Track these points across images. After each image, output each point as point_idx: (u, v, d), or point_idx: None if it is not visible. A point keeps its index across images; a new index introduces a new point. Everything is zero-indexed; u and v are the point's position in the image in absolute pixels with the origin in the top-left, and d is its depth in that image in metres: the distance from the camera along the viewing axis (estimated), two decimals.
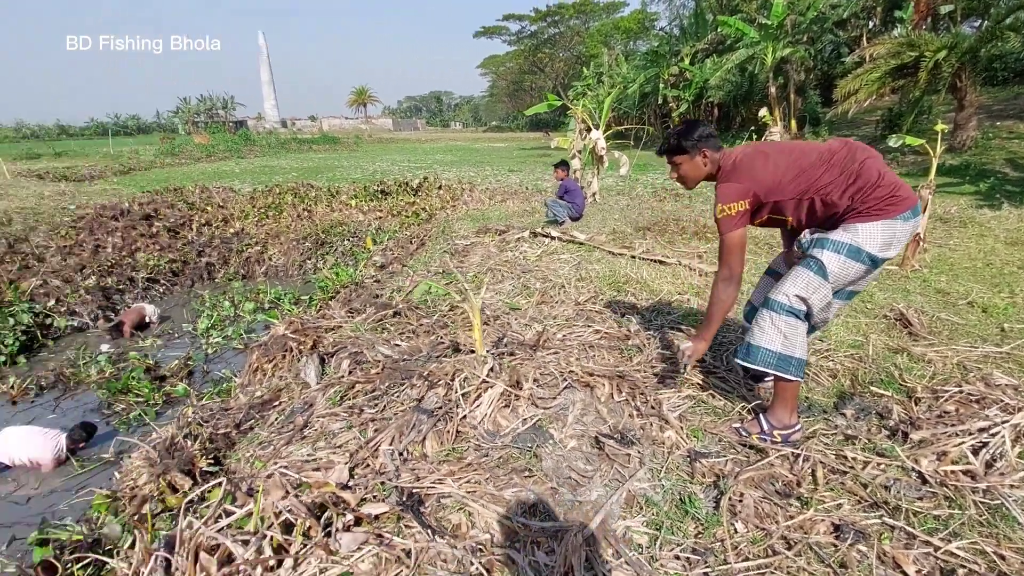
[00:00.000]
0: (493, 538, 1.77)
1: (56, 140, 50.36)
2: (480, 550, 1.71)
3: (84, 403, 5.61)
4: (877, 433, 2.41)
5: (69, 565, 2.68)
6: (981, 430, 2.25)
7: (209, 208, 10.99)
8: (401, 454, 2.18)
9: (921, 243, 5.35)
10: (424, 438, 2.25)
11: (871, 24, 23.73)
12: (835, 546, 1.75)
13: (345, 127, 63.82)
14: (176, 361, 6.18)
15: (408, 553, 1.67)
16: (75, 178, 16.71)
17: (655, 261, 5.76)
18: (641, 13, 44.00)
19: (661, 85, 25.82)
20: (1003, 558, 1.69)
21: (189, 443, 3.23)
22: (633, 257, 5.88)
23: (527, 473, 2.12)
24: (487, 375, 2.56)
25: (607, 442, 2.32)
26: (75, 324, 7.57)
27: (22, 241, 8.92)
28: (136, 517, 2.72)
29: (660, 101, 26.68)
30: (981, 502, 1.93)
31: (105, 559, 2.60)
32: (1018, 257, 6.00)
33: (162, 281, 9.08)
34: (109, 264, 8.76)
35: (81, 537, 2.82)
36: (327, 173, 16.75)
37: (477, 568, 1.63)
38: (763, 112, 9.20)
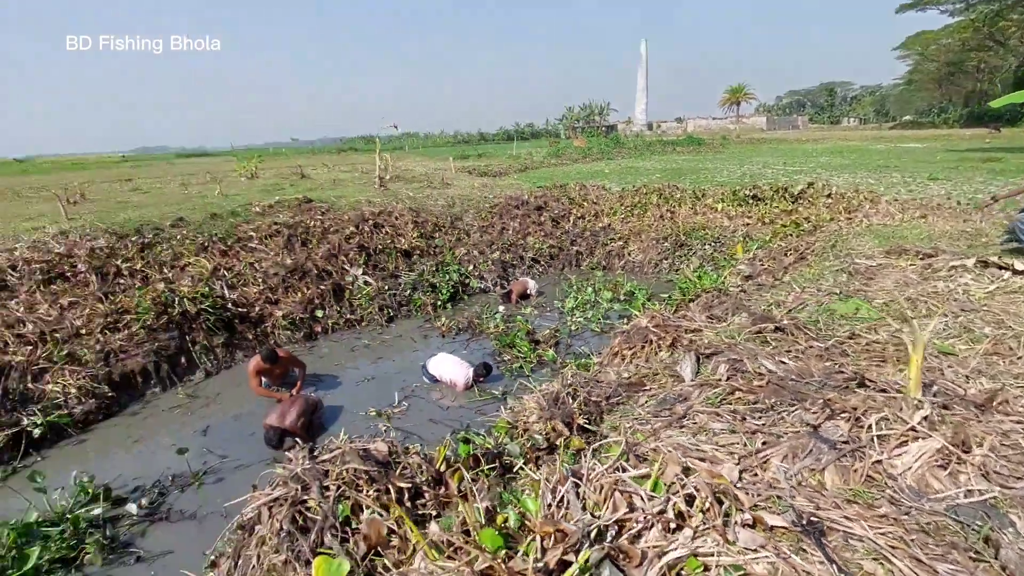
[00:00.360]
0: None
1: (477, 144, 67.66)
2: None
3: (484, 347, 7.53)
4: None
5: (480, 463, 3.67)
6: None
7: (585, 203, 12.87)
8: (793, 476, 2.11)
9: None
10: (823, 468, 2.11)
11: None
12: None
13: (711, 127, 63.49)
14: (548, 330, 7.58)
15: None
16: (491, 173, 22.24)
17: None
18: None
19: None
20: None
21: (570, 400, 3.94)
22: None
23: (973, 555, 1.73)
24: (918, 423, 2.18)
25: None
26: (482, 287, 10.17)
27: (458, 219, 12.46)
28: (532, 445, 3.51)
29: None
30: None
31: (513, 467, 3.46)
32: None
33: (542, 262, 11.21)
34: (509, 243, 11.34)
35: (490, 447, 3.81)
36: (691, 175, 17.10)
37: None
38: None
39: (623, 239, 11.21)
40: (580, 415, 3.69)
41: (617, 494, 2.00)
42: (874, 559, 1.70)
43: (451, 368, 6.36)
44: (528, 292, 9.57)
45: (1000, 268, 4.54)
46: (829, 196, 10.04)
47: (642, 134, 57.87)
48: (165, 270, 7.80)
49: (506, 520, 2.25)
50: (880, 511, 1.92)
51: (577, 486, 2.19)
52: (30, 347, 5.92)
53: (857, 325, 3.75)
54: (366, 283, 9.09)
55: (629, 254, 10.83)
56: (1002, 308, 3.93)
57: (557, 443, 3.59)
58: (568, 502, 2.08)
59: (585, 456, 2.50)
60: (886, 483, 2.04)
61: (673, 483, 2.04)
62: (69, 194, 11.43)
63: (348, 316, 8.52)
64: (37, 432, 5.19)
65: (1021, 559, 1.70)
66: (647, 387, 3.74)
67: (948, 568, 1.67)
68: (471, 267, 10.44)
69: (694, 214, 11.18)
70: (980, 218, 7.60)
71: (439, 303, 9.28)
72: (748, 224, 9.90)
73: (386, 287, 9.17)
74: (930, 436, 2.13)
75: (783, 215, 9.58)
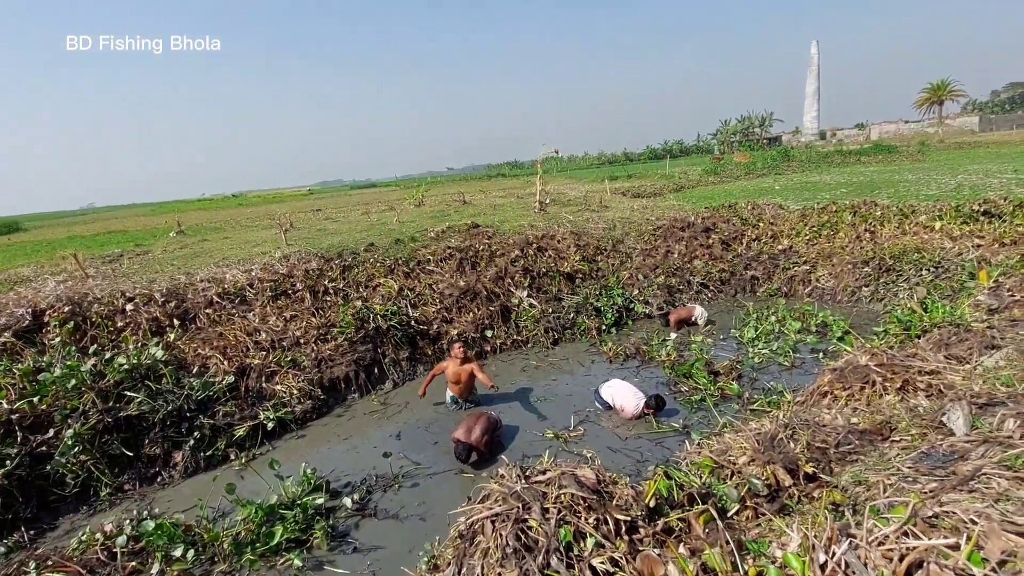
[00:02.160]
0: None
1: (624, 165, 66.99)
2: None
3: (656, 376, 7.25)
4: None
5: (683, 502, 3.45)
6: None
7: (760, 224, 11.91)
8: None
9: None
10: None
11: None
12: None
13: (903, 132, 55.25)
14: (727, 361, 7.06)
15: None
16: (645, 194, 21.78)
17: None
18: None
19: None
20: None
21: (790, 443, 3.57)
22: None
23: None
24: None
25: None
26: (647, 312, 9.88)
27: (620, 242, 12.32)
28: (750, 490, 3.22)
29: None
30: None
31: (724, 514, 3.21)
32: None
33: (711, 287, 10.57)
34: (674, 267, 10.90)
35: (696, 485, 3.58)
36: (886, 189, 14.95)
37: None
38: None
39: (809, 263, 10.12)
40: (807, 462, 3.31)
41: (925, 565, 1.70)
42: None
43: (623, 394, 6.21)
44: (693, 319, 9.04)
45: None
46: None
47: (812, 144, 52.50)
48: (361, 289, 8.84)
49: (761, 573, 2.05)
50: None
51: (854, 547, 1.92)
52: (264, 352, 7.07)
53: None
54: (531, 305, 9.36)
55: (817, 279, 9.71)
56: None
57: (780, 491, 3.26)
58: (849, 566, 1.83)
59: (844, 512, 2.19)
60: None
61: (1006, 561, 1.68)
62: (282, 223, 13.61)
63: (515, 337, 8.83)
64: (270, 425, 6.13)
65: None
66: (894, 438, 3.23)
67: None
68: (635, 291, 10.22)
69: (902, 234, 9.70)
70: None
71: (603, 327, 9.20)
72: (980, 245, 8.29)
73: (550, 309, 9.35)
74: None
75: None
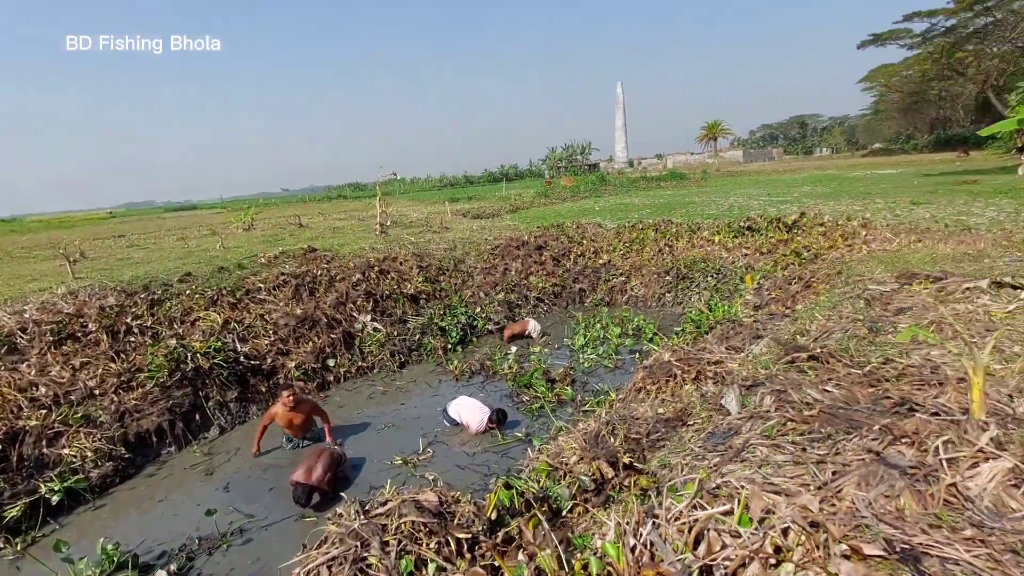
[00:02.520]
0: None
1: (464, 187, 68.73)
2: None
3: (500, 389, 7.49)
4: None
5: (532, 507, 3.61)
6: None
7: (584, 241, 13.09)
8: (871, 504, 2.13)
9: None
10: (899, 495, 2.13)
11: None
12: None
13: (691, 162, 65.43)
14: (561, 368, 7.59)
15: None
16: (484, 215, 22.59)
17: None
18: None
19: None
20: None
21: (611, 439, 3.94)
22: None
23: None
24: (985, 444, 2.22)
25: None
26: (490, 328, 10.18)
27: (461, 262, 12.57)
28: (579, 487, 3.47)
29: None
30: None
31: (559, 512, 3.41)
32: None
33: (546, 301, 11.29)
34: (512, 284, 11.43)
35: (534, 491, 3.76)
36: (680, 209, 17.53)
37: None
38: None
39: (624, 274, 11.38)
40: (624, 453, 3.68)
41: (706, 532, 2.00)
42: None
43: (469, 411, 6.31)
44: (527, 333, 9.54)
45: (1014, 288, 4.69)
46: (822, 225, 10.35)
47: (624, 171, 59.35)
48: (176, 326, 7.73)
49: (586, 566, 2.22)
50: (966, 533, 1.95)
51: (656, 527, 2.19)
52: (44, 410, 5.79)
53: (889, 350, 3.84)
54: (375, 329, 9.06)
55: (632, 289, 10.96)
56: None
57: (604, 484, 3.57)
58: (653, 544, 2.07)
59: (651, 496, 2.49)
60: (964, 505, 2.07)
61: (765, 518, 2.04)
62: (68, 252, 11.37)
63: (360, 363, 8.46)
64: (55, 499, 5.02)
65: None
66: (689, 422, 3.76)
67: None
68: (478, 309, 10.48)
69: (691, 247, 11.42)
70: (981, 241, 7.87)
71: (449, 346, 9.26)
72: (747, 255, 10.13)
73: (395, 332, 9.15)
74: (1000, 456, 2.17)
75: (780, 245, 9.83)
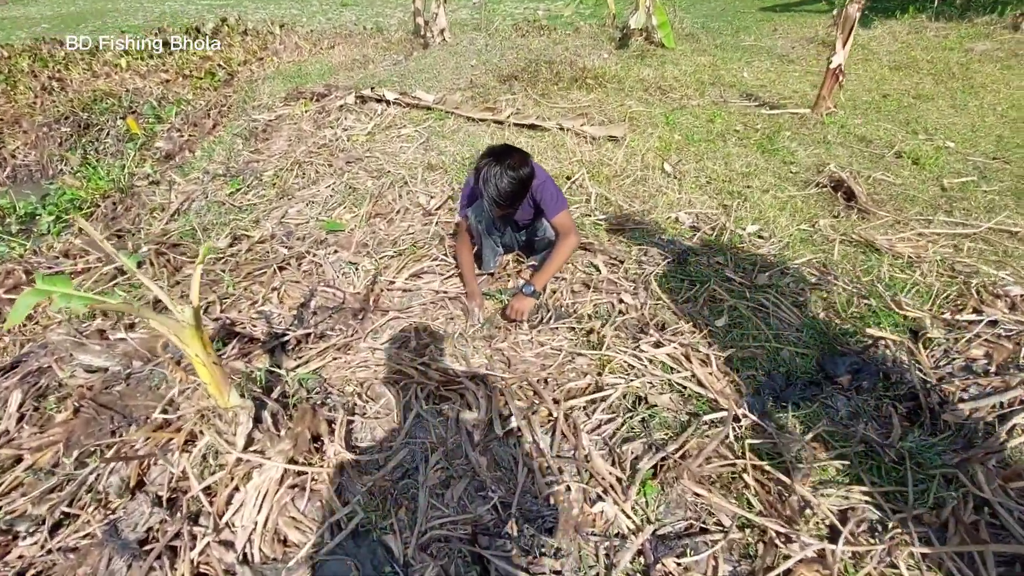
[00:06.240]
0: None
1: None
2: None
3: None
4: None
5: None
6: None
7: None
8: None
9: (841, 77, 4.58)
10: None
11: None
12: None
13: None
14: None
15: None
16: None
17: (528, 127, 4.47)
18: None
19: None
20: None
21: None
22: (499, 123, 4.51)
23: None
24: (243, 442, 1.38)
25: None
26: None
27: None
28: None
29: None
30: None
31: None
32: (907, 84, 5.68)
33: None
34: None
35: None
36: (93, 21, 11.85)
37: None
38: None
39: None
40: None
41: None
42: None
43: None
44: None
45: (376, 101, 4.29)
46: (245, 33, 8.32)
47: None
48: None
49: None
50: None
51: None
52: None
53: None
54: None
55: (13, 154, 6.82)
56: (382, 150, 3.67)
57: None
58: None
59: None
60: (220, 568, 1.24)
61: None
62: None
63: None
64: None
65: None
66: None
67: None
68: None
69: (94, 77, 7.66)
70: (374, 43, 7.55)
71: None
72: (167, 81, 7.38)
73: None
74: (264, 463, 1.35)
75: (201, 63, 7.45)
